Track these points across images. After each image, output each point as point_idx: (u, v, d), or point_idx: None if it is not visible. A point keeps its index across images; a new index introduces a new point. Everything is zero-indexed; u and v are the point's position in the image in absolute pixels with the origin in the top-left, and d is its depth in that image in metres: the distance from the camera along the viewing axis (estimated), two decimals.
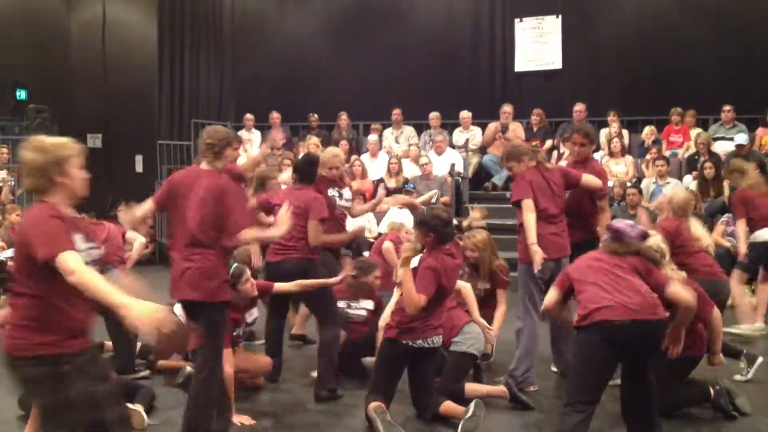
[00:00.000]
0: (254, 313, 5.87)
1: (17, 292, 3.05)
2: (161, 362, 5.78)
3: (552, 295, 4.36)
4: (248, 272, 5.18)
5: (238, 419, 4.76)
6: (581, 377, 4.03)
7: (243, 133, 12.91)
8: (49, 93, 12.68)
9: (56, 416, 3.02)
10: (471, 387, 5.05)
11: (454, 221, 4.88)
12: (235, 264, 5.02)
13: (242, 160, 11.94)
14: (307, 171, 5.77)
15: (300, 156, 6.17)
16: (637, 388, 4.06)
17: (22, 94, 12.22)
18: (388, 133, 12.70)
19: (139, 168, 13.15)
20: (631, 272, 4.09)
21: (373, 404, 4.52)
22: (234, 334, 5.08)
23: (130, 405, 4.40)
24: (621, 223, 4.36)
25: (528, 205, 5.24)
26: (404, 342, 4.57)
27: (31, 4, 13.08)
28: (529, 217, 5.21)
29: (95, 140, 13.56)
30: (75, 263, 2.84)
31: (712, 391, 4.76)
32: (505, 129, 11.72)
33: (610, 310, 3.89)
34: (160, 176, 12.53)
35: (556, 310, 4.40)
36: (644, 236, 4.30)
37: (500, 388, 5.08)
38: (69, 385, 2.95)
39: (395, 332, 4.62)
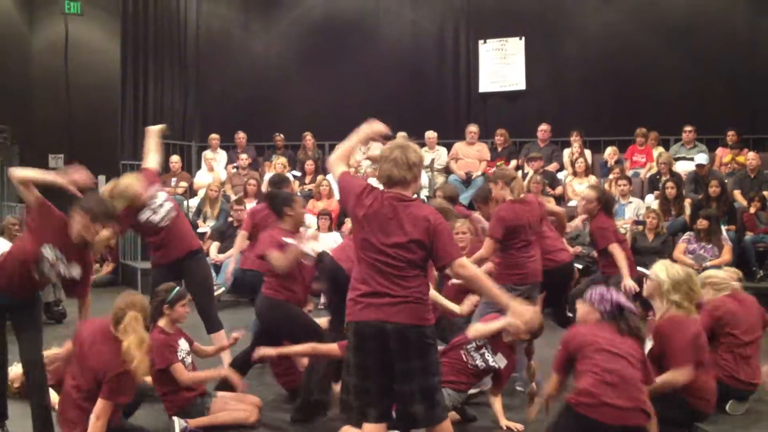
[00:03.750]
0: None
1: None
2: None
3: (554, 380, 4.38)
4: (188, 297, 5.18)
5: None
6: None
7: (208, 153, 12.84)
8: (10, 113, 12.52)
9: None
10: None
11: None
12: (178, 288, 5.10)
13: (207, 178, 11.95)
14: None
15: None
16: None
17: None
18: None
19: (101, 188, 12.98)
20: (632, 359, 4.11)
21: None
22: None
23: None
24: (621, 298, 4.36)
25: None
26: None
27: None
28: None
29: (57, 160, 13.40)
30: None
31: None
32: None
33: (599, 410, 3.91)
34: None
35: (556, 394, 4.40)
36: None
37: None
38: None
39: None
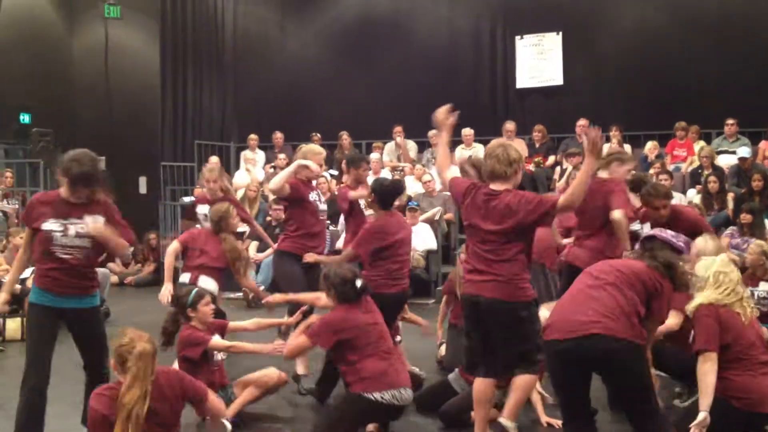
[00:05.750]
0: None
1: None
2: None
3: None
4: (209, 297, 5.18)
5: None
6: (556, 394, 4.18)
7: (247, 153, 12.95)
8: (52, 116, 12.77)
9: None
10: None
11: (359, 282, 4.65)
12: (197, 288, 5.13)
13: (246, 179, 12.05)
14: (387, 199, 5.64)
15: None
16: (625, 413, 3.97)
17: (25, 118, 12.31)
18: (390, 149, 12.70)
19: (142, 189, 13.20)
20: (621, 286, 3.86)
21: None
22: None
23: None
24: (666, 234, 4.21)
25: None
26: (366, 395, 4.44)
27: (34, 29, 13.19)
28: None
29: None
30: None
31: None
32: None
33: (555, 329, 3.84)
34: (164, 198, 12.55)
35: None
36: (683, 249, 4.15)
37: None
38: None
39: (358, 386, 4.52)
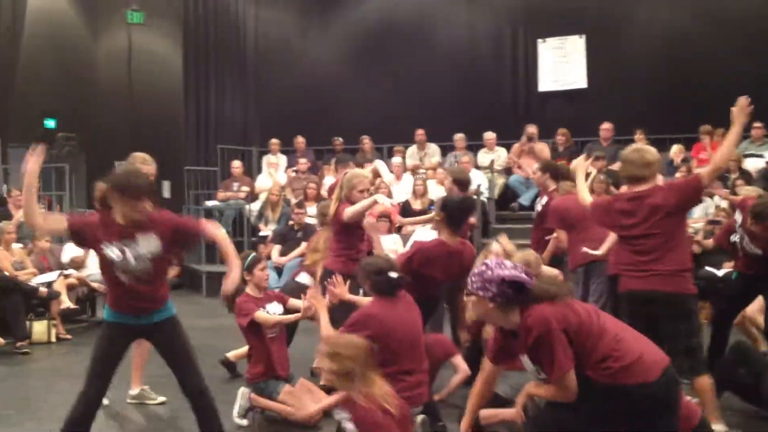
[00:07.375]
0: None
1: None
2: None
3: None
4: (265, 262, 5.29)
5: None
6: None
7: (269, 158, 12.97)
8: (77, 121, 12.88)
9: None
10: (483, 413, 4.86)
11: (394, 274, 4.36)
12: (254, 253, 5.30)
13: (268, 183, 12.07)
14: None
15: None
16: None
17: (50, 123, 12.39)
18: (413, 152, 12.68)
19: (166, 194, 13.26)
20: None
21: None
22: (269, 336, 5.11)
23: None
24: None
25: None
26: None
27: (59, 34, 13.30)
28: None
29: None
30: None
31: None
32: (531, 138, 11.70)
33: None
34: (188, 201, 12.59)
35: None
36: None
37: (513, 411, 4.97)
38: None
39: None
